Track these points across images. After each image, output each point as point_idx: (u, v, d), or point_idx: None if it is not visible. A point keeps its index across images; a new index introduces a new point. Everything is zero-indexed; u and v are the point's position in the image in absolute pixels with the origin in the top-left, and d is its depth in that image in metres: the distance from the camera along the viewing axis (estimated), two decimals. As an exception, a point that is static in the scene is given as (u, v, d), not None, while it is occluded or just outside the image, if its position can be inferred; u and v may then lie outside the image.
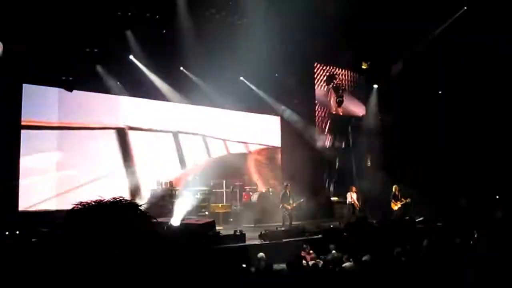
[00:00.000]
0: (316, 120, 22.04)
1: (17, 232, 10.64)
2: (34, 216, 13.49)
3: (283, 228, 14.31)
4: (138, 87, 16.97)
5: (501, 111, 19.13)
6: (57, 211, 13.98)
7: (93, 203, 1.62)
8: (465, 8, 18.14)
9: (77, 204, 1.62)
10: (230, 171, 19.58)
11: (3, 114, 13.31)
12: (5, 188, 13.24)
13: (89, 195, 1.74)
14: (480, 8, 17.19)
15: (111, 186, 15.95)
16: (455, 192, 19.32)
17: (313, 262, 9.67)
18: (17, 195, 13.98)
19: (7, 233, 10.61)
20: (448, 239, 12.21)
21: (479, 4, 17.28)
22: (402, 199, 17.26)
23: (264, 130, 21.46)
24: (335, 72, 21.57)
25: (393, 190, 17.44)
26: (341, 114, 22.59)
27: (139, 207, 1.68)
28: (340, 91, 20.78)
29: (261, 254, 10.20)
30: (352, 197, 16.89)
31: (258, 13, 16.43)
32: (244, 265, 9.31)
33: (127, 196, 16.37)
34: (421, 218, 16.66)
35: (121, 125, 17.03)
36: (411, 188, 18.67)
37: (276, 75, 19.54)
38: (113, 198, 1.68)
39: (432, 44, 19.27)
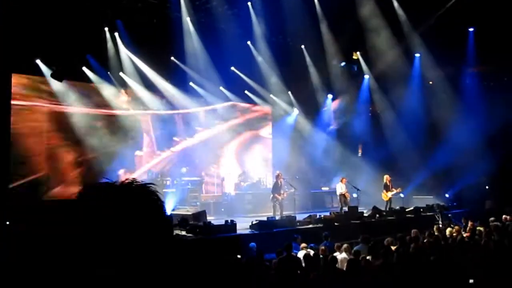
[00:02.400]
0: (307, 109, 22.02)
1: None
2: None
3: (274, 218, 14.33)
4: (129, 77, 16.89)
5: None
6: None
7: (106, 185, 1.34)
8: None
9: (86, 186, 1.33)
10: (221, 161, 19.62)
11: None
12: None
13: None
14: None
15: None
16: (446, 183, 19.49)
17: (304, 251, 9.69)
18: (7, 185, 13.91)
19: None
20: (438, 229, 12.33)
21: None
22: (393, 189, 17.34)
23: (255, 120, 21.47)
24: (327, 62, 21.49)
25: (384, 180, 17.50)
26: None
27: (157, 193, 1.39)
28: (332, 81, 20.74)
29: (252, 244, 10.24)
30: (342, 187, 16.92)
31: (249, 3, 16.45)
32: (237, 256, 9.32)
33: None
34: (411, 208, 16.79)
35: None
36: (402, 178, 18.82)
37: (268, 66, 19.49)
38: (126, 180, 1.36)
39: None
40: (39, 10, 13.23)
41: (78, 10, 13.87)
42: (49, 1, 13.41)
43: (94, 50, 15.58)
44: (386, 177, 17.52)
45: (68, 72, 14.78)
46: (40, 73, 15.00)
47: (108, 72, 16.36)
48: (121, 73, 16.75)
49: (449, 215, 16.28)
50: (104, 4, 14.97)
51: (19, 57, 13.65)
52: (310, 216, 14.55)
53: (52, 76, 14.61)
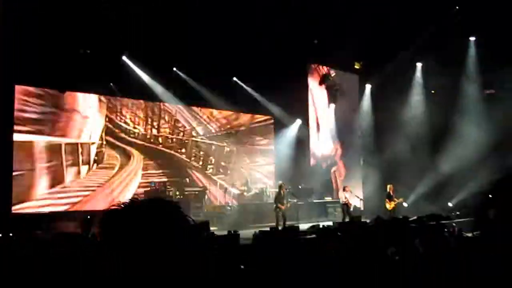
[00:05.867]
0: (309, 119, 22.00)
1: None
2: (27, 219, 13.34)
3: (277, 228, 14.27)
4: (131, 88, 16.91)
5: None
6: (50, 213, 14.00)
7: (132, 203, 1.36)
8: (457, 7, 18.13)
9: (116, 205, 1.35)
10: (223, 172, 19.60)
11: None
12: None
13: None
14: (471, 8, 17.18)
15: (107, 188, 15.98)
16: (449, 192, 19.39)
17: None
18: (10, 197, 13.91)
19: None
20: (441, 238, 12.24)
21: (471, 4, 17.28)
22: (395, 199, 17.26)
23: (258, 130, 21.47)
24: (328, 72, 21.56)
25: (388, 189, 17.44)
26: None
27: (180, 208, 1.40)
28: (334, 91, 20.78)
29: (257, 253, 10.17)
30: (345, 196, 16.87)
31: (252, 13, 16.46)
32: (240, 266, 9.26)
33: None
34: (414, 217, 16.68)
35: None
36: (404, 187, 18.75)
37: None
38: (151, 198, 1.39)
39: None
40: (42, 22, 13.32)
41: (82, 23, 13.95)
42: (55, 13, 13.48)
43: (97, 62, 15.61)
44: (390, 187, 17.45)
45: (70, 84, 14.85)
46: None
47: (111, 84, 16.36)
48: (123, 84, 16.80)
49: (454, 224, 16.17)
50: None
51: (20, 68, 13.68)
52: (313, 226, 14.50)
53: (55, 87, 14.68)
